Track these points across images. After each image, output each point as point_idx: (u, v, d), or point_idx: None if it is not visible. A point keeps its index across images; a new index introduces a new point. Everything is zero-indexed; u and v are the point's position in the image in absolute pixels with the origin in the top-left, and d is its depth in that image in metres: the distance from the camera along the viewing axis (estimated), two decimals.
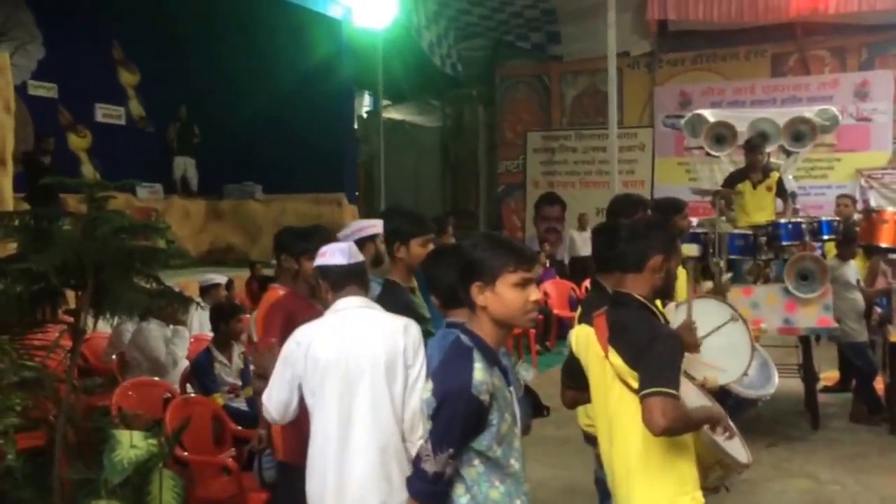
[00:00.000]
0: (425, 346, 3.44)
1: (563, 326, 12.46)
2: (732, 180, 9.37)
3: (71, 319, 4.79)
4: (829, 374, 9.58)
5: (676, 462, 3.23)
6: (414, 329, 3.48)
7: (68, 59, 15.04)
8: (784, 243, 8.43)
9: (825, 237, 8.76)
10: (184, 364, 7.37)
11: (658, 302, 3.56)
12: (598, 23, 14.04)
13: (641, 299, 3.35)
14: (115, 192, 5.04)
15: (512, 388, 3.02)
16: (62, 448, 4.59)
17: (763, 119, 10.55)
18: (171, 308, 6.41)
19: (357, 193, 17.86)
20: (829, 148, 16.05)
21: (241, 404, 6.66)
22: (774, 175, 9.36)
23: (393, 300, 3.91)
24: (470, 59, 20.50)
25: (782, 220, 8.60)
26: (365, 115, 22.21)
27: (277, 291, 5.01)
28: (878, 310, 8.88)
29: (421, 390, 3.21)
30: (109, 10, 15.18)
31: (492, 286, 2.89)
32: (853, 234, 8.88)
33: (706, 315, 4.44)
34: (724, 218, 8.25)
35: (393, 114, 21.69)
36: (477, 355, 2.87)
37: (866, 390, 8.60)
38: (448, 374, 2.90)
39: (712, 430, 3.31)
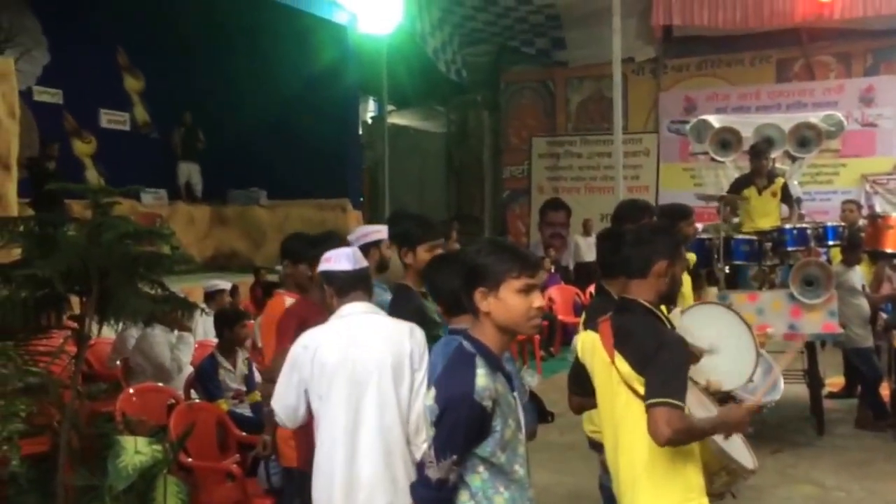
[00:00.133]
0: (429, 351, 3.45)
1: (568, 332, 12.47)
2: (738, 186, 9.35)
3: (75, 325, 4.79)
4: (834, 380, 9.56)
5: (682, 468, 3.22)
6: (419, 333, 3.49)
7: (73, 65, 15.08)
8: (789, 249, 8.42)
9: (830, 243, 8.75)
10: (188, 370, 7.36)
11: (662, 307, 3.55)
12: (603, 28, 14.02)
13: (647, 305, 3.34)
14: (120, 197, 5.03)
15: (516, 394, 3.01)
16: (66, 454, 4.59)
17: (768, 124, 10.54)
18: (176, 314, 6.40)
19: (362, 199, 17.88)
20: (835, 153, 16.05)
21: (245, 410, 6.65)
22: (780, 180, 9.34)
23: (406, 305, 3.92)
24: (475, 65, 20.50)
25: (787, 226, 8.59)
26: (370, 121, 22.23)
27: (283, 297, 5.02)
28: (884, 315, 8.86)
29: (425, 395, 3.21)
30: (114, 16, 15.18)
31: (495, 292, 2.88)
32: (858, 240, 8.86)
33: (707, 320, 4.43)
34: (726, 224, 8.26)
35: (398, 119, 21.70)
36: (480, 361, 2.86)
37: (871, 396, 8.57)
38: (451, 381, 2.89)
39: (727, 437, 3.29)
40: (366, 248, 4.23)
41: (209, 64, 16.46)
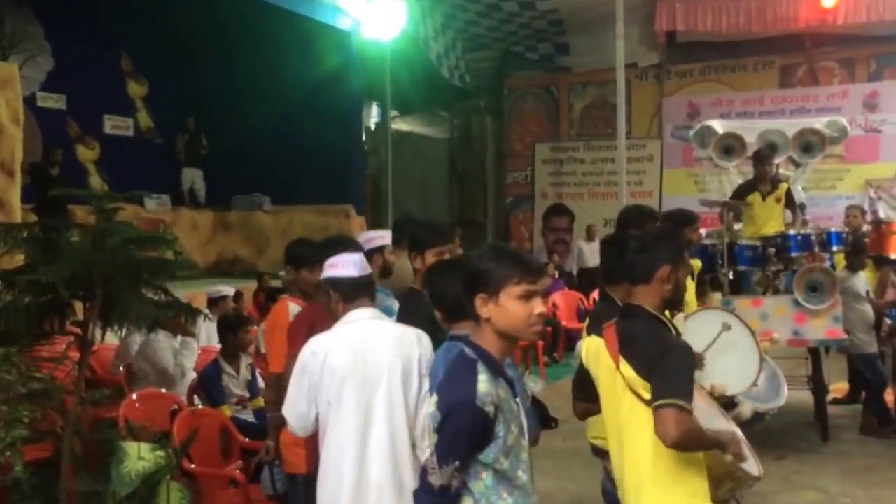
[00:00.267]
0: None
1: (572, 338, 12.44)
2: (741, 191, 9.33)
3: (79, 331, 4.79)
4: (838, 386, 9.54)
5: (687, 474, 3.21)
6: (426, 340, 3.52)
7: (77, 70, 15.09)
8: (793, 254, 8.40)
9: (834, 248, 8.73)
10: (191, 376, 7.37)
11: (667, 313, 3.55)
12: (607, 34, 14.03)
13: (651, 310, 3.34)
14: (123, 203, 5.05)
15: (518, 400, 2.99)
16: (69, 460, 4.58)
17: (772, 130, 10.54)
18: (179, 319, 6.39)
19: (365, 204, 17.87)
20: (839, 159, 16.01)
21: (248, 416, 6.64)
22: (783, 186, 9.32)
23: (416, 308, 3.89)
24: (478, 70, 20.50)
25: (791, 232, 8.57)
26: (373, 127, 22.20)
27: (287, 303, 5.02)
28: (888, 321, 8.85)
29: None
30: (118, 21, 15.21)
31: (496, 298, 2.87)
32: (862, 246, 8.85)
33: (707, 325, 4.44)
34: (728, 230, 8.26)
35: (401, 125, 21.68)
36: (481, 367, 2.86)
37: (876, 402, 8.56)
38: (452, 387, 2.88)
39: (724, 453, 3.29)
40: (369, 254, 4.23)
41: (213, 69, 16.50)
